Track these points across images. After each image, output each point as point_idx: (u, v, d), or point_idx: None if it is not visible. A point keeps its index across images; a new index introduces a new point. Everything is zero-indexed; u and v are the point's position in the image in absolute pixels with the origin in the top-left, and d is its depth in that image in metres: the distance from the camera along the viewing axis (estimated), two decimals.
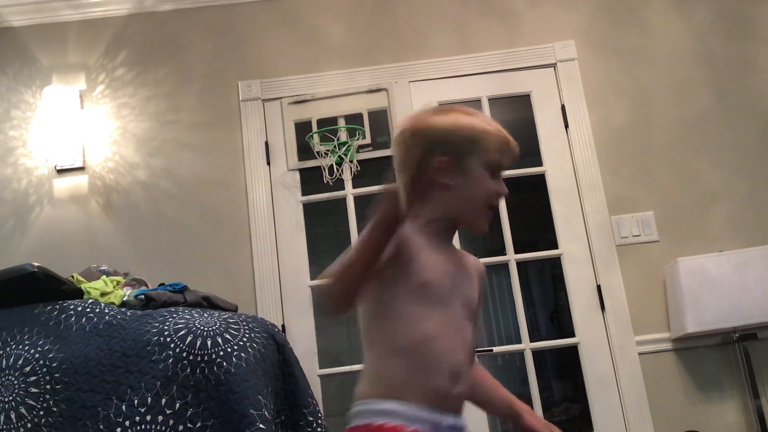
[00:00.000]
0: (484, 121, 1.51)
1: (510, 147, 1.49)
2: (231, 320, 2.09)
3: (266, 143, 3.33)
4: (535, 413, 1.57)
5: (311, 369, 3.06)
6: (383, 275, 1.42)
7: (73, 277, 2.41)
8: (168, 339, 1.97)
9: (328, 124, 3.33)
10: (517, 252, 3.25)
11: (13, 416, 1.91)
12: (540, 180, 3.29)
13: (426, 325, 1.40)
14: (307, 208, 3.30)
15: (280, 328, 2.95)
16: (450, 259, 1.48)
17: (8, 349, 2.01)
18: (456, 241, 1.67)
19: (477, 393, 1.56)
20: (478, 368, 1.59)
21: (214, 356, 1.94)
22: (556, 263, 3.34)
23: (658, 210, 3.23)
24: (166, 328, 2.00)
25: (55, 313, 2.10)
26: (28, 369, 1.97)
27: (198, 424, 1.89)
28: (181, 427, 1.88)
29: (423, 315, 1.41)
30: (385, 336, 1.43)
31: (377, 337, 1.44)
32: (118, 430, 1.87)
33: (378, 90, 3.38)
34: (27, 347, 2.01)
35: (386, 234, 1.34)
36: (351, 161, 3.27)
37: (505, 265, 3.25)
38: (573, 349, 3.15)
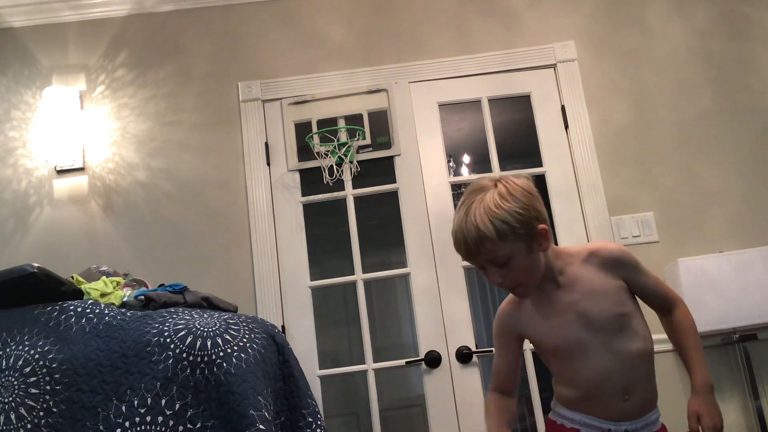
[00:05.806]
0: None
1: None
2: (231, 321, 2.09)
3: (266, 144, 3.33)
4: (704, 396, 1.73)
5: (311, 370, 3.06)
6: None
7: (73, 277, 2.40)
8: (168, 340, 1.97)
9: (328, 124, 3.33)
10: None
11: (13, 417, 1.91)
12: (540, 181, 3.28)
13: (569, 375, 1.71)
14: (307, 208, 3.30)
15: (280, 329, 2.95)
16: (551, 305, 1.72)
17: (8, 349, 2.01)
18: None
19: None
20: (673, 318, 1.78)
21: (214, 357, 1.94)
22: None
23: (658, 211, 3.23)
24: (166, 328, 2.00)
25: (55, 313, 2.10)
26: (27, 370, 1.97)
27: (198, 425, 1.89)
28: (180, 428, 1.88)
29: (562, 368, 1.73)
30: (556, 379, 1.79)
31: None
32: (118, 430, 1.87)
33: (378, 90, 3.38)
34: (27, 348, 2.01)
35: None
36: (351, 162, 3.27)
37: None
38: None
